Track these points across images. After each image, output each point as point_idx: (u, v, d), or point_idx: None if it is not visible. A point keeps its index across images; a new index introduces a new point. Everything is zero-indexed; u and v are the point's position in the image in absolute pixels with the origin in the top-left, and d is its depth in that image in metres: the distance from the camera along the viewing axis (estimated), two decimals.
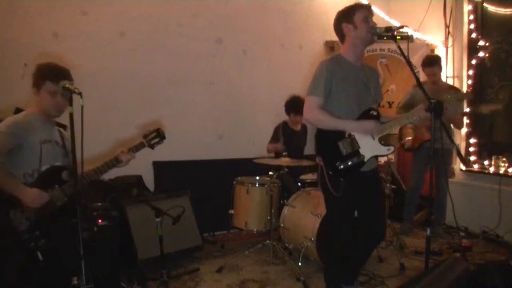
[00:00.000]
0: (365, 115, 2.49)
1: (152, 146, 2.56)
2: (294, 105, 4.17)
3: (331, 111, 2.46)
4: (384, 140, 2.52)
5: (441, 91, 3.70)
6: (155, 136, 2.57)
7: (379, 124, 2.45)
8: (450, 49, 4.81)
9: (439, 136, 4.00)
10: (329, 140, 2.43)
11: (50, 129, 2.39)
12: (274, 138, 4.27)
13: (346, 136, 2.43)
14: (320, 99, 2.42)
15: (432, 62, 4.10)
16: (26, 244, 2.10)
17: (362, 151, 2.43)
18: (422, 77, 4.24)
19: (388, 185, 3.69)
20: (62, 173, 2.30)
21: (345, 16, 2.48)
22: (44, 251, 2.11)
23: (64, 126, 2.46)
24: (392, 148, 2.50)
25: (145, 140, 2.54)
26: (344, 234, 2.50)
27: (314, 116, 2.44)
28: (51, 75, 2.25)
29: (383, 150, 2.49)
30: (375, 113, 2.50)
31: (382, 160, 3.70)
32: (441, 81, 4.23)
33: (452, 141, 2.44)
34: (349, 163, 2.40)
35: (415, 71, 4.52)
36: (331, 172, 2.41)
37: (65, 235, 2.11)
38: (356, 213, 2.50)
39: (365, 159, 2.44)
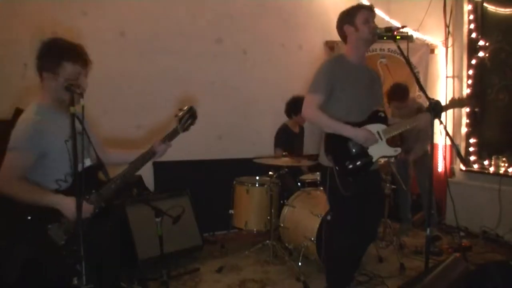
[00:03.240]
0: (374, 116, 2.50)
1: (187, 130, 2.26)
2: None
3: (331, 110, 2.45)
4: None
5: (412, 111, 3.73)
6: (189, 117, 2.25)
7: (372, 135, 2.41)
8: (450, 49, 4.81)
9: (411, 147, 4.00)
10: (339, 140, 2.41)
11: (68, 119, 1.92)
12: (280, 143, 4.21)
13: None
14: (321, 98, 2.40)
15: (405, 94, 3.97)
16: (65, 260, 1.83)
17: (370, 151, 2.44)
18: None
19: (388, 185, 3.69)
20: (97, 172, 2.03)
21: (346, 18, 2.48)
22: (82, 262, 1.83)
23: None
24: (399, 150, 2.53)
25: (179, 125, 2.22)
26: (347, 235, 2.50)
27: (313, 114, 2.42)
28: (70, 54, 1.86)
29: (391, 151, 2.51)
30: (383, 115, 2.52)
31: (382, 160, 3.69)
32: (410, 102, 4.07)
33: (452, 141, 2.45)
34: (357, 163, 2.41)
35: (415, 71, 4.55)
36: (340, 172, 2.39)
37: (101, 241, 1.96)
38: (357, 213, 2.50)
39: (373, 160, 2.45)
